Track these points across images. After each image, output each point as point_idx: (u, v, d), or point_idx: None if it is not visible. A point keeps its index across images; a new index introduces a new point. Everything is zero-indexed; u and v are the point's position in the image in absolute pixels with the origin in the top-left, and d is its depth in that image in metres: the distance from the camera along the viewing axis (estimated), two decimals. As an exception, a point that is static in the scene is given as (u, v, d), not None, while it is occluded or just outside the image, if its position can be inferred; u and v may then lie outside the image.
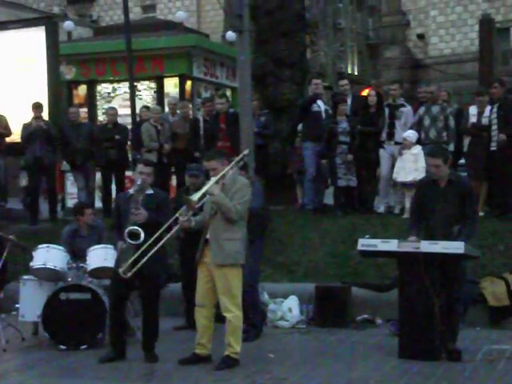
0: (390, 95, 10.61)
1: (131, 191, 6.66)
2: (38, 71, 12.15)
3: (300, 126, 10.89)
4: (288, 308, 7.97)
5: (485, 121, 9.61)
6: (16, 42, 12.38)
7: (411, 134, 9.72)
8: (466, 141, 9.89)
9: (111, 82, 15.90)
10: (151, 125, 11.34)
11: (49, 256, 7.35)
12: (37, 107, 11.09)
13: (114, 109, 12.02)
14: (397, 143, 10.05)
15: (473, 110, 9.83)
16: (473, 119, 9.75)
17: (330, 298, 7.88)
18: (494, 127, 9.39)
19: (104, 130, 11.53)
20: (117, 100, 15.58)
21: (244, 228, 6.30)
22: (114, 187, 11.32)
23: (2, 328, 7.37)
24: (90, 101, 15.97)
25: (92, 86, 16.02)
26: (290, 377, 5.97)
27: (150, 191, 6.64)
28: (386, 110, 10.28)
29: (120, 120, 11.97)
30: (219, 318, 6.34)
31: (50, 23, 12.47)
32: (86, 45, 16.74)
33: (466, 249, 6.12)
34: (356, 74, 42.87)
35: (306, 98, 11.16)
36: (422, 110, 10.01)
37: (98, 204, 11.35)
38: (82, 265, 7.38)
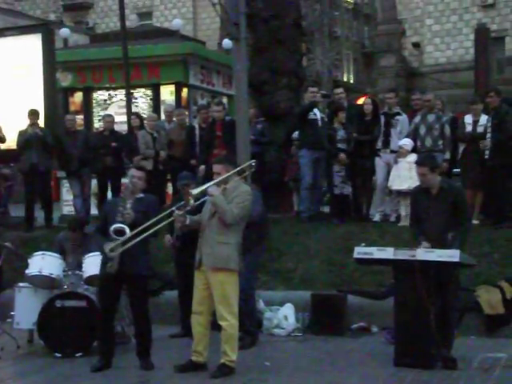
0: (386, 103, 10.65)
1: (122, 195, 6.72)
2: (34, 78, 12.18)
3: (296, 134, 10.92)
4: (284, 316, 7.97)
5: (480, 129, 9.65)
6: (12, 48, 12.42)
7: (407, 143, 9.75)
8: (461, 149, 9.93)
9: (107, 89, 15.95)
10: (147, 132, 11.36)
11: (44, 263, 7.34)
12: (33, 114, 11.09)
13: (110, 116, 12.05)
14: (392, 151, 10.07)
15: (468, 119, 9.86)
16: (469, 128, 9.79)
17: (325, 306, 7.88)
18: (489, 135, 9.44)
19: (100, 137, 11.54)
20: (113, 107, 15.63)
21: (240, 233, 6.30)
22: (110, 194, 11.32)
23: (-3, 335, 7.36)
24: (86, 108, 16.02)
25: (88, 93, 16.07)
26: (285, 385, 5.97)
27: (140, 195, 6.67)
28: (382, 119, 10.31)
29: (116, 127, 11.98)
30: (215, 326, 6.34)
31: (47, 30, 12.51)
32: (82, 52, 16.79)
33: (461, 257, 6.14)
34: (352, 82, 42.99)
35: (302, 105, 11.18)
36: (417, 118, 10.05)
37: (94, 211, 11.36)
38: (77, 272, 7.38)
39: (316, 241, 9.31)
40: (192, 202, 6.20)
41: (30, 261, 7.43)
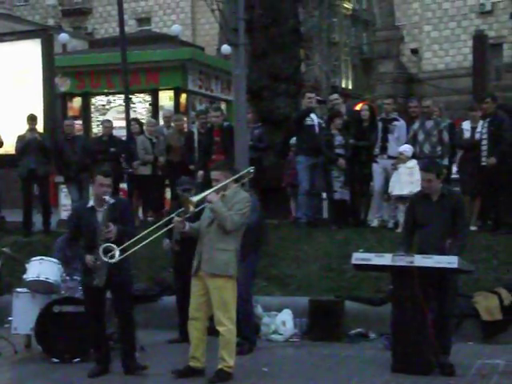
0: (384, 109, 10.67)
1: (92, 203, 6.55)
2: (33, 83, 12.20)
3: (293, 140, 10.93)
4: (282, 321, 7.96)
5: (478, 136, 9.67)
6: (11, 54, 12.44)
7: (407, 149, 9.76)
8: (459, 156, 9.95)
9: (106, 94, 15.93)
10: (146, 137, 11.36)
11: (42, 268, 7.32)
12: (31, 119, 11.10)
13: (109, 121, 12.06)
14: (390, 157, 10.09)
15: (466, 125, 9.89)
16: (467, 134, 9.81)
17: (323, 312, 7.87)
18: (485, 142, 9.46)
19: (99, 143, 11.55)
20: (111, 112, 15.61)
21: (238, 240, 6.31)
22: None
23: (-5, 340, 7.35)
24: (85, 113, 16.00)
25: (87, 98, 16.05)
26: (283, 391, 5.97)
27: (111, 200, 6.50)
28: (380, 124, 10.32)
29: (114, 132, 11.98)
30: (212, 332, 6.34)
31: (46, 35, 12.54)
32: (80, 57, 16.76)
33: (459, 263, 6.15)
34: (350, 88, 43.05)
35: (299, 111, 11.20)
36: (416, 124, 10.07)
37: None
38: (75, 277, 7.37)
39: (314, 246, 9.32)
40: (192, 209, 6.18)
41: (27, 266, 7.41)
